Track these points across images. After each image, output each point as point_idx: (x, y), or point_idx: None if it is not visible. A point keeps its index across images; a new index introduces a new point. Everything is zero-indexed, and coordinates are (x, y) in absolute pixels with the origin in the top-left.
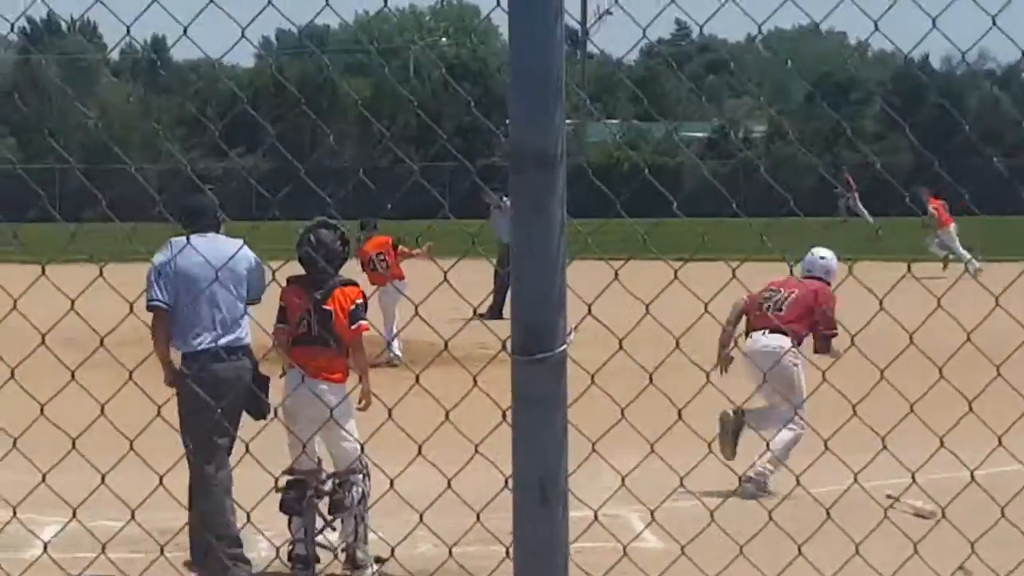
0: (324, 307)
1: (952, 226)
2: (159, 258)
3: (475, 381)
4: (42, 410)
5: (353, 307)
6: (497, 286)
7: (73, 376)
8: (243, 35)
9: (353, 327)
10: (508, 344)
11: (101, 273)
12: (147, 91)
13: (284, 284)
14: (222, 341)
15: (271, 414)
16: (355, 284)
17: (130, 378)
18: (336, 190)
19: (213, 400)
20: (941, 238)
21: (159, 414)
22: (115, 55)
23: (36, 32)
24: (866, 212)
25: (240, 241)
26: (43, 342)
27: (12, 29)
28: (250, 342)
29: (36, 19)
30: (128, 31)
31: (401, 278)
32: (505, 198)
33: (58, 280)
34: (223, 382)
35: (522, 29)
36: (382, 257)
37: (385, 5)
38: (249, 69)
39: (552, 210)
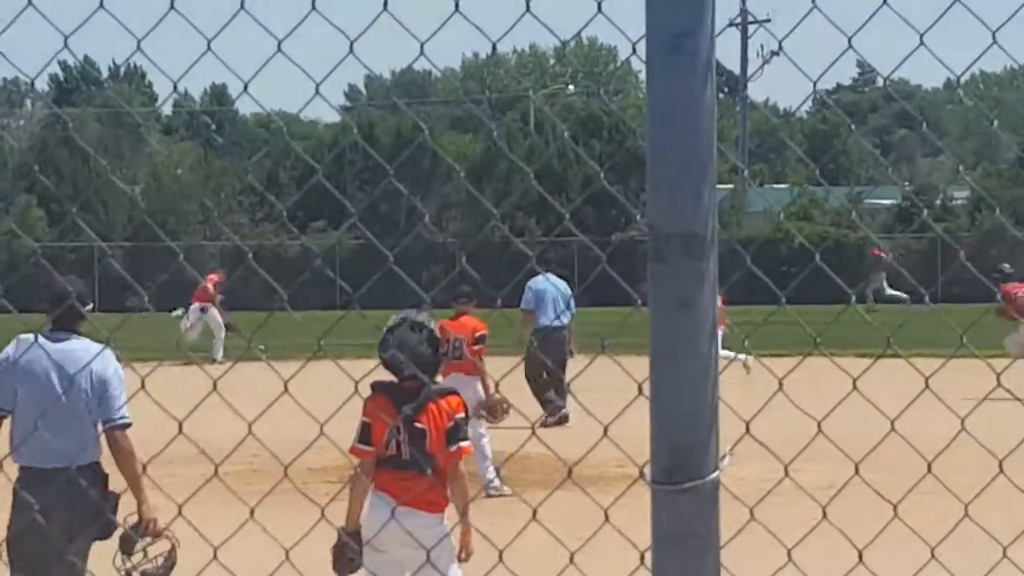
0: (416, 424)
1: None
2: (2, 354)
3: (606, 515)
4: (215, 554)
5: (452, 425)
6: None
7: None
8: (317, 91)
9: (452, 449)
10: (647, 471)
11: (143, 385)
12: (206, 152)
13: (368, 394)
14: (56, 462)
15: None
16: (455, 393)
17: (179, 511)
18: (437, 273)
19: (37, 525)
20: None
21: (215, 556)
22: (167, 108)
23: (70, 80)
24: None
25: (101, 347)
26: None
27: (32, 86)
28: (97, 460)
29: (71, 65)
30: (175, 86)
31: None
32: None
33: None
34: (50, 507)
35: (663, 85)
36: (460, 343)
37: (493, 51)
38: (332, 125)
39: (701, 306)
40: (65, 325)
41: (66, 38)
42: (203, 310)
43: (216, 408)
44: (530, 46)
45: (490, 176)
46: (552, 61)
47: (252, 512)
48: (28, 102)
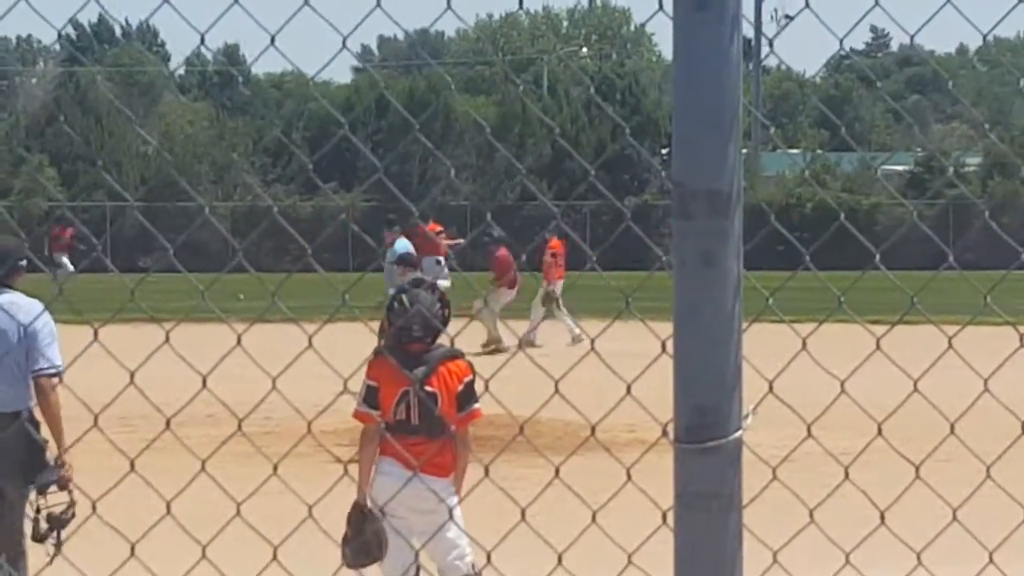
0: (427, 388)
1: None
2: None
3: (628, 475)
4: (94, 508)
5: (462, 388)
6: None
7: (133, 467)
8: (344, 45)
9: (463, 413)
10: (670, 429)
11: (167, 339)
12: (219, 111)
13: (371, 357)
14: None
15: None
16: (462, 356)
17: (203, 468)
18: (452, 233)
19: None
20: None
21: (238, 512)
22: (180, 67)
23: (84, 40)
24: None
25: (32, 302)
26: (96, 424)
27: (60, 37)
28: (27, 407)
29: (84, 24)
30: (203, 40)
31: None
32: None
33: (113, 345)
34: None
35: (690, 40)
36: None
37: (521, 5)
38: (345, 85)
39: (726, 264)
40: (2, 281)
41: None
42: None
43: (231, 367)
44: (544, 7)
45: (504, 140)
46: (565, 23)
47: (275, 468)
48: (41, 61)
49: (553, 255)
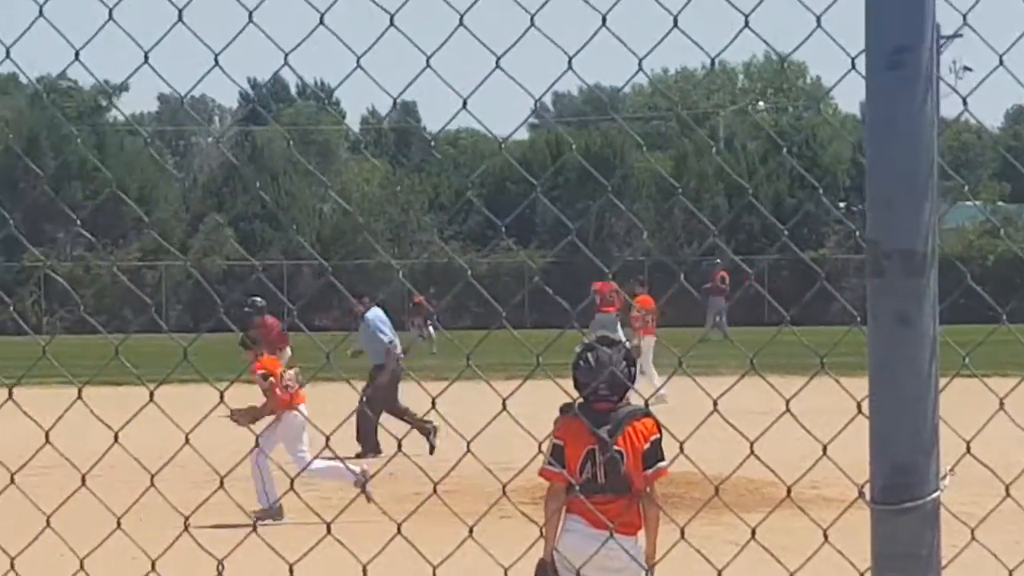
0: (612, 447)
1: None
2: None
3: (825, 536)
4: (292, 571)
5: (648, 446)
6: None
7: (329, 530)
8: (535, 106)
9: (649, 472)
10: (866, 490)
11: (362, 400)
12: (395, 169)
13: (558, 414)
14: None
15: None
16: (649, 415)
17: (399, 531)
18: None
19: None
20: None
21: (435, 574)
22: (355, 125)
23: (260, 98)
24: None
25: None
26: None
27: (252, 96)
28: None
29: (258, 80)
30: (395, 102)
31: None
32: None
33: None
34: None
35: (883, 100)
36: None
37: (713, 65)
38: (521, 141)
39: (921, 323)
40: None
41: (287, 54)
42: None
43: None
44: (719, 62)
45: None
46: (741, 76)
47: (471, 531)
48: (216, 119)
49: (640, 310)
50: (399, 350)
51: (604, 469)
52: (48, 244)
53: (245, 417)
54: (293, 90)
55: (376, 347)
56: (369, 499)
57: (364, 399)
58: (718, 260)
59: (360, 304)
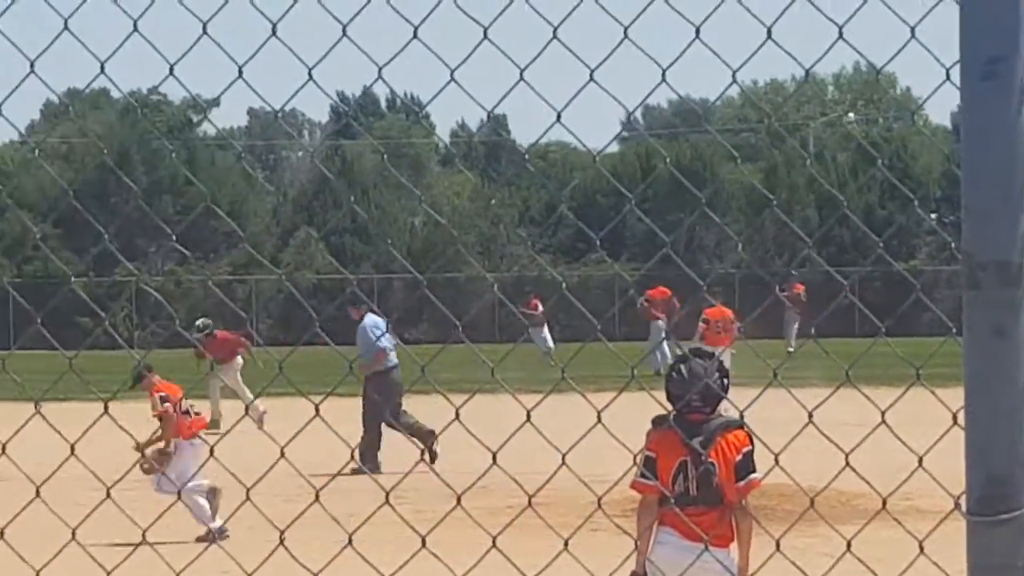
0: (704, 458)
1: None
2: None
3: (921, 547)
4: None
5: (740, 458)
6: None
7: (424, 543)
8: (628, 119)
9: (741, 484)
10: (962, 501)
11: (457, 415)
12: (485, 182)
13: (650, 427)
14: None
15: None
16: (741, 426)
17: (494, 544)
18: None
19: None
20: None
21: None
22: (445, 138)
23: (350, 112)
24: None
25: None
26: (387, 502)
27: (344, 109)
28: None
29: (349, 95)
30: (489, 115)
31: None
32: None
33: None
34: None
35: (977, 110)
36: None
37: (806, 77)
38: (611, 154)
39: (1017, 334)
40: None
41: (380, 68)
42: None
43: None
44: (807, 73)
45: (770, 207)
46: (831, 87)
47: (567, 544)
48: (307, 133)
49: (705, 322)
50: (395, 359)
51: (697, 481)
52: (140, 259)
53: (158, 462)
54: (383, 104)
55: (368, 353)
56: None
57: (366, 413)
58: (793, 272)
59: (356, 311)
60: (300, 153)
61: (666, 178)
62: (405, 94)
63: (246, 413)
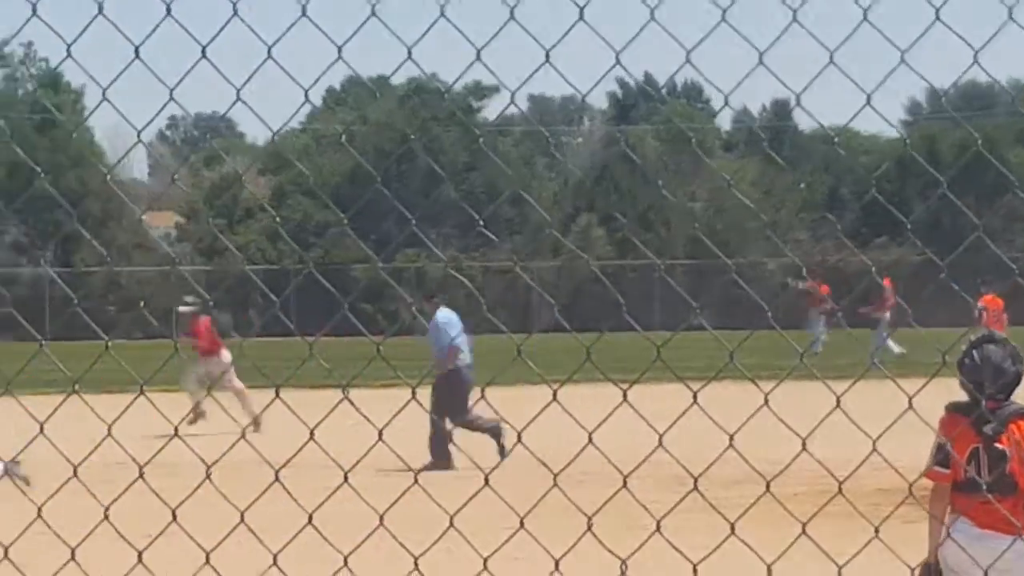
0: (996, 445)
1: None
2: None
3: None
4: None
5: None
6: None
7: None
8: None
9: None
10: None
11: (766, 401)
12: (767, 167)
13: (944, 415)
14: None
15: None
16: None
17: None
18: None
19: None
20: None
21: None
22: (726, 123)
23: (628, 96)
24: None
25: None
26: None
27: (620, 96)
28: None
29: (628, 82)
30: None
31: None
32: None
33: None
34: None
35: None
36: None
37: None
38: (892, 140)
39: None
40: None
41: (688, 52)
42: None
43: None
44: None
45: None
46: None
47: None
48: (586, 120)
49: (984, 309)
50: (468, 358)
51: (989, 468)
52: (420, 245)
53: None
54: (663, 89)
55: (441, 351)
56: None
57: (432, 409)
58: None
59: (429, 304)
60: (579, 140)
61: (951, 163)
62: (685, 81)
63: (252, 423)
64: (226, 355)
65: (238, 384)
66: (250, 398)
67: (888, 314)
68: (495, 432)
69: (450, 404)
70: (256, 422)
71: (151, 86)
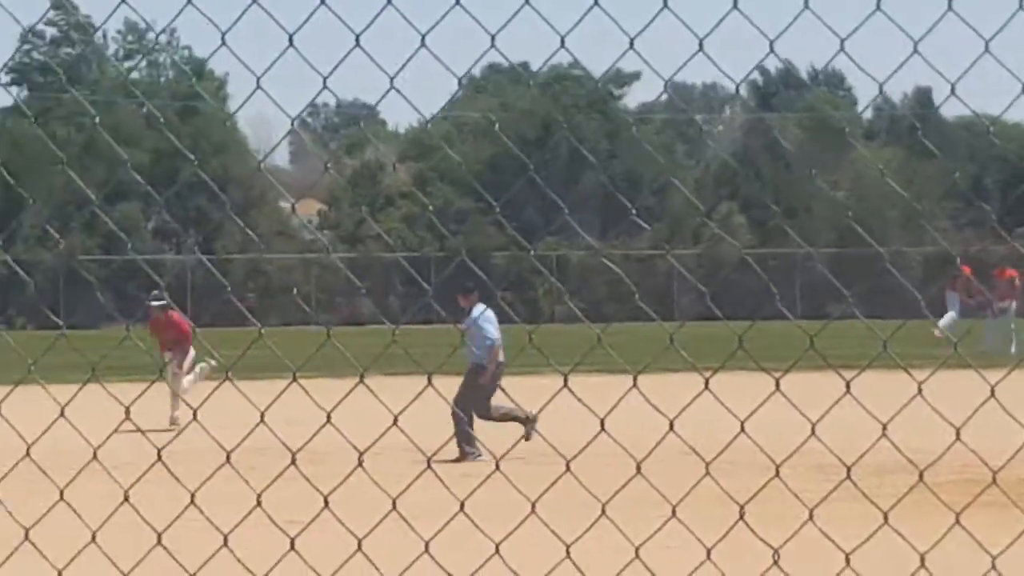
0: None
1: None
2: None
3: None
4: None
5: None
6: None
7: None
8: None
9: None
10: None
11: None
12: (910, 155)
13: None
14: None
15: None
16: None
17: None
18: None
19: None
20: None
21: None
22: (868, 112)
23: (769, 85)
24: None
25: None
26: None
27: (737, 88)
28: None
29: (769, 69)
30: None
31: None
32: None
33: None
34: None
35: None
36: None
37: None
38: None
39: None
40: None
41: (842, 41)
42: None
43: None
44: None
45: None
46: None
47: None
48: (727, 108)
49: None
50: (502, 353)
51: None
52: (559, 233)
53: None
54: (804, 75)
55: (480, 346)
56: None
57: (457, 399)
58: None
59: (467, 299)
60: (720, 127)
61: None
62: (826, 68)
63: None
64: (191, 351)
65: (185, 384)
66: (181, 402)
67: (1014, 304)
68: (525, 420)
69: (475, 399)
70: (174, 421)
71: (298, 72)
